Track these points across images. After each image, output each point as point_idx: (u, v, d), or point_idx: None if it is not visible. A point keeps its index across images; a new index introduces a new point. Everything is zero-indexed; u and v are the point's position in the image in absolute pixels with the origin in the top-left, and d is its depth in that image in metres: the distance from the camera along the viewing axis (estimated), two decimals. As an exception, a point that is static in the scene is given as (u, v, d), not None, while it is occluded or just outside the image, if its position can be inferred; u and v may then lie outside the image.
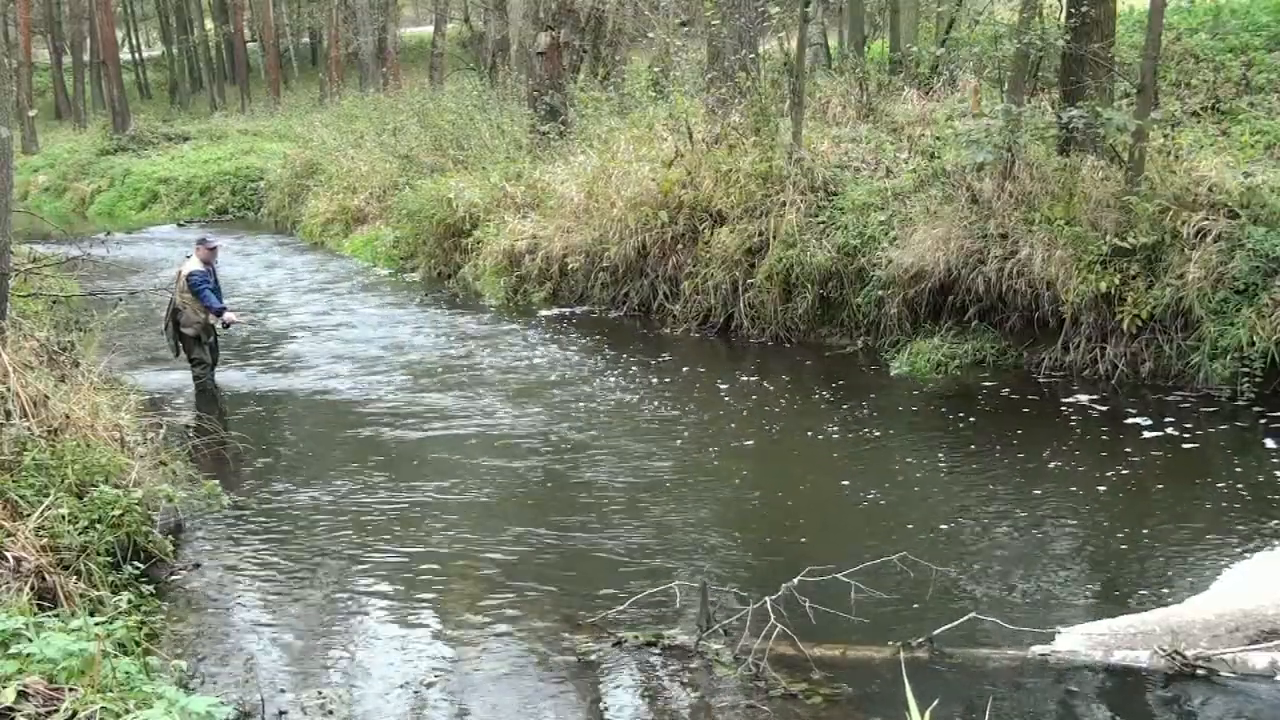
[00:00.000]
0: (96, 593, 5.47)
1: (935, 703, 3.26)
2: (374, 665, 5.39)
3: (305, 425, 9.66)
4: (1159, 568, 6.01)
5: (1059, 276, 9.38)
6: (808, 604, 5.34)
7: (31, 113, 36.54)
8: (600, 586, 6.06)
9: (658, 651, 5.30)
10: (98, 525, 5.95)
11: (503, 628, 5.66)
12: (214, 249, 10.43)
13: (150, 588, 6.03)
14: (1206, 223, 8.89)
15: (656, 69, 18.08)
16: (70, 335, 9.44)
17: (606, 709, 4.97)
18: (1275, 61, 11.72)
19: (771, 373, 10.54)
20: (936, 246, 10.08)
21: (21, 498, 5.77)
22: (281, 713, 4.88)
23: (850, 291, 10.92)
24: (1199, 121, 10.92)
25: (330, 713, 4.89)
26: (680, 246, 12.46)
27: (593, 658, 5.30)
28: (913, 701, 2.71)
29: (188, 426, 9.35)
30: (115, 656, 4.22)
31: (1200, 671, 4.82)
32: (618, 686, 5.11)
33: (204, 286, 10.07)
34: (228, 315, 10.29)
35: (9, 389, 6.55)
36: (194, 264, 10.19)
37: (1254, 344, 8.33)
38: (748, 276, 11.63)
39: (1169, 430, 8.03)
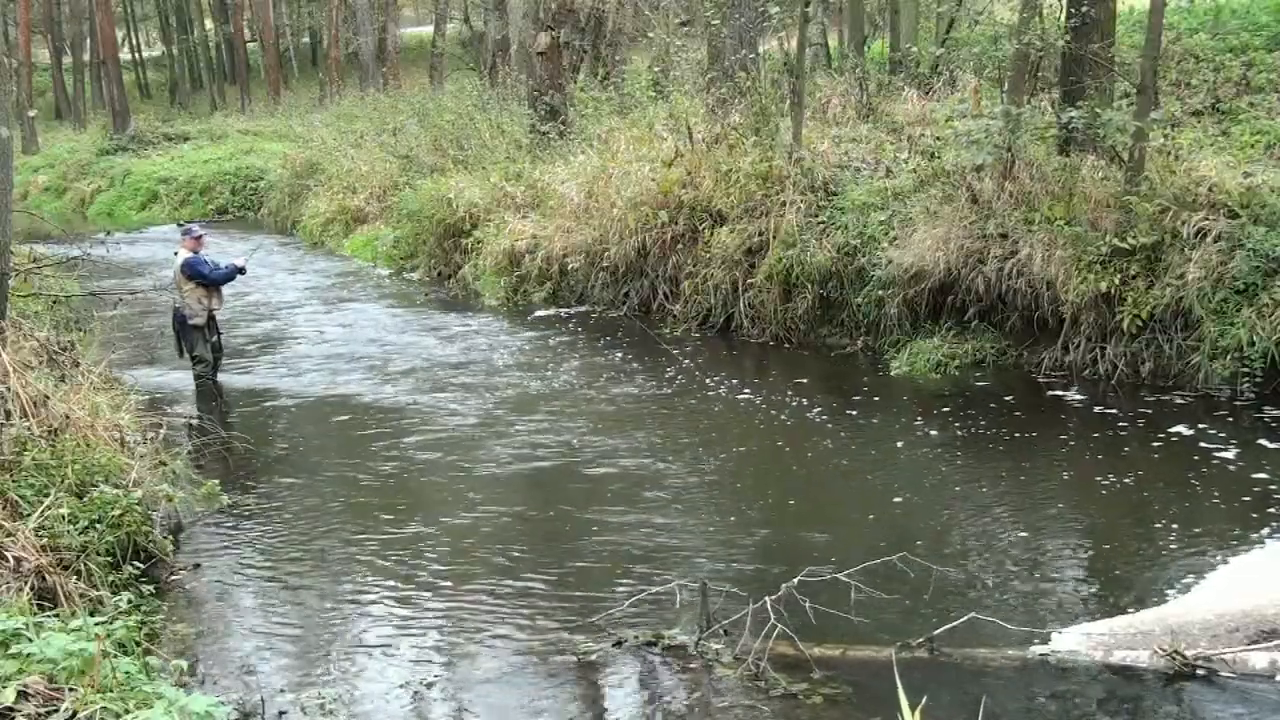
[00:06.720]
0: (96, 593, 5.48)
1: (935, 703, 3.26)
2: (374, 665, 5.39)
3: (305, 425, 9.67)
4: (1159, 568, 6.01)
5: (1059, 276, 9.37)
6: (808, 604, 5.33)
7: (31, 113, 36.50)
8: (600, 586, 6.07)
9: (658, 651, 5.30)
10: (98, 525, 5.96)
11: (503, 628, 5.66)
12: (199, 238, 10.66)
13: (150, 588, 6.04)
14: (1206, 223, 8.88)
15: (656, 69, 18.07)
16: (70, 335, 9.46)
17: (606, 709, 4.97)
18: (1275, 61, 11.72)
19: (771, 373, 10.54)
20: (936, 246, 10.07)
21: (21, 498, 5.78)
22: (281, 713, 4.88)
23: (850, 291, 10.91)
24: (1199, 121, 10.91)
25: (330, 713, 4.89)
26: (680, 246, 12.46)
27: (593, 658, 5.29)
28: (904, 700, 2.70)
29: (188, 426, 9.36)
30: (115, 656, 4.22)
31: (1200, 671, 4.82)
32: (618, 686, 5.11)
33: (202, 266, 10.31)
34: (239, 263, 10.57)
35: (9, 389, 6.56)
36: (185, 255, 10.39)
37: (1254, 344, 8.33)
38: (748, 276, 11.62)
39: (1169, 430, 8.03)
